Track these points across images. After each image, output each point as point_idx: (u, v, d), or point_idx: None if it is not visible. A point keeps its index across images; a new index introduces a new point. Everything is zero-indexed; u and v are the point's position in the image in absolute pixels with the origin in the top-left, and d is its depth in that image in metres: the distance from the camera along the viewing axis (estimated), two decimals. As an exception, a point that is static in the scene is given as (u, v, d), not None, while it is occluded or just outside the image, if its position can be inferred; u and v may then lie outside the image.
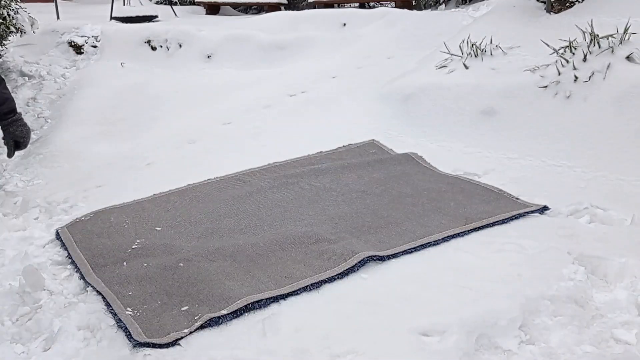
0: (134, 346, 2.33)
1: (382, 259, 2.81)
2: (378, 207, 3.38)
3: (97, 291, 2.72)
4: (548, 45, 4.39)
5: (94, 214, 3.50)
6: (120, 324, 2.47)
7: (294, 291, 2.59)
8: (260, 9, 10.90)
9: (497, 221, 3.14)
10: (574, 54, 4.20)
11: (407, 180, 3.74)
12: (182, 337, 2.34)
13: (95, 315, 2.56)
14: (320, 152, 4.31)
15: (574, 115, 3.91)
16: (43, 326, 2.53)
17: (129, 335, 2.38)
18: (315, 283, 2.63)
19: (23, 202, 3.82)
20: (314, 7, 9.52)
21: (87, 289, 2.80)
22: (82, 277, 2.87)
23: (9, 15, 5.37)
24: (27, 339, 2.48)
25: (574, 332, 2.31)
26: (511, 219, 3.17)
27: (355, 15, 7.51)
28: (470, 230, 3.06)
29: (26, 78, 6.44)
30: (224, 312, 2.45)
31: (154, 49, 7.17)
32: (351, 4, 10.17)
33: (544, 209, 3.26)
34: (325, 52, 6.52)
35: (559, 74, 4.12)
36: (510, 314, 2.35)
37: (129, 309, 2.55)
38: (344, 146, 4.40)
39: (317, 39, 6.84)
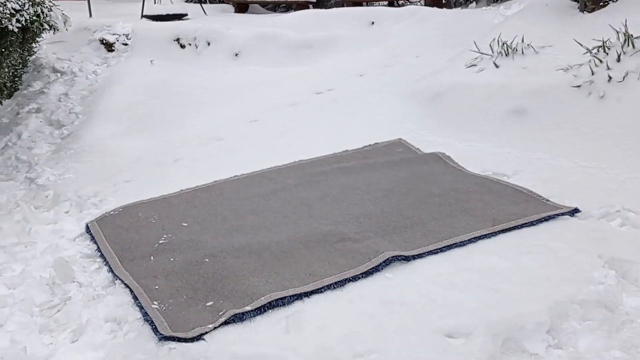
0: (160, 340, 2.36)
1: (407, 259, 2.79)
2: (404, 207, 3.35)
3: (125, 284, 2.77)
4: (581, 45, 4.30)
5: (122, 208, 3.55)
6: (146, 317, 2.50)
7: (317, 289, 2.58)
8: (288, 7, 10.93)
9: (526, 223, 3.08)
10: (607, 53, 4.11)
11: (434, 180, 3.70)
12: (206, 332, 2.36)
13: (122, 308, 2.60)
14: (346, 150, 4.30)
15: (607, 116, 3.82)
16: (71, 318, 2.58)
17: (154, 329, 2.41)
18: (339, 282, 2.63)
19: (54, 195, 3.90)
20: (343, 5, 9.50)
21: (115, 282, 2.85)
22: (110, 270, 2.91)
23: (42, 12, 5.48)
24: (55, 330, 2.53)
25: (603, 337, 2.26)
26: (540, 221, 3.11)
27: (383, 14, 7.47)
28: (498, 231, 3.02)
29: (58, 74, 6.57)
30: (248, 308, 2.46)
31: (183, 47, 7.25)
32: (380, 2, 10.12)
33: (574, 211, 3.19)
34: (353, 50, 6.50)
35: (593, 74, 4.03)
36: (538, 317, 2.31)
37: (155, 302, 2.58)
38: (370, 145, 4.37)
39: (345, 37, 6.82)
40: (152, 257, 2.95)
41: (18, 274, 2.95)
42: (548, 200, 3.34)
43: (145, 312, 2.52)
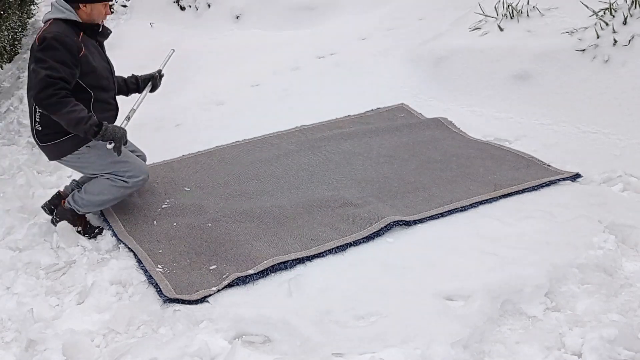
0: (164, 302, 2.40)
1: (408, 223, 2.81)
2: (405, 172, 3.35)
3: (129, 248, 2.80)
4: (587, 7, 4.22)
5: (124, 173, 3.56)
6: (150, 280, 2.54)
7: (319, 253, 2.61)
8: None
9: (527, 188, 3.09)
10: (614, 16, 4.04)
11: (436, 146, 3.70)
12: (210, 295, 2.40)
13: (127, 271, 2.64)
14: (348, 115, 4.27)
15: (611, 81, 3.78)
16: (77, 280, 2.62)
17: (159, 291, 2.45)
18: (340, 246, 2.65)
19: (56, 160, 3.91)
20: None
21: (119, 245, 2.88)
22: (114, 234, 2.94)
23: (40, -27, 5.40)
24: (61, 293, 2.58)
25: (601, 300, 2.29)
26: (541, 186, 3.11)
27: (387, -25, 7.31)
28: (499, 197, 3.03)
29: (58, 38, 6.49)
30: (251, 271, 2.49)
31: (182, 8, 7.13)
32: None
33: (575, 177, 3.19)
34: (356, 13, 6.38)
35: (598, 37, 3.97)
36: (536, 280, 2.34)
37: (159, 266, 2.62)
38: (372, 110, 4.35)
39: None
40: (155, 222, 2.98)
41: (22, 237, 2.98)
42: (549, 166, 3.34)
43: (150, 275, 2.56)
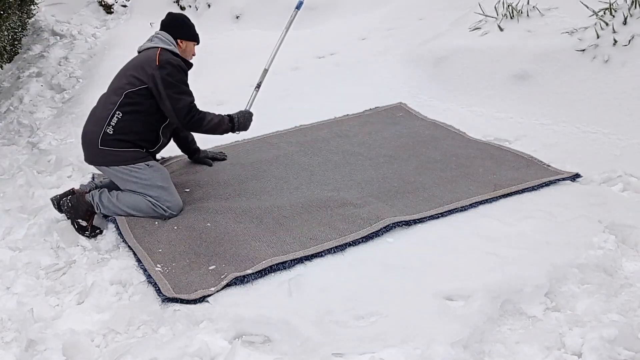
0: (163, 301, 2.40)
1: (408, 223, 2.81)
2: (405, 172, 3.36)
3: (129, 246, 2.80)
4: (587, 7, 4.22)
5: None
6: (150, 279, 2.54)
7: (318, 253, 2.61)
8: (290, -32, 10.71)
9: (527, 188, 3.09)
10: (614, 16, 4.04)
11: (436, 146, 3.70)
12: (209, 295, 2.39)
13: (127, 271, 2.64)
14: (347, 114, 4.28)
15: (611, 81, 3.78)
16: (77, 280, 2.62)
17: (158, 291, 2.45)
18: (339, 246, 2.65)
19: (57, 160, 3.91)
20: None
21: (119, 245, 2.88)
22: (117, 228, 2.94)
23: (40, -26, 5.41)
24: (61, 293, 2.58)
25: (601, 300, 2.29)
26: (541, 186, 3.12)
27: (387, -25, 7.31)
28: (499, 196, 3.03)
29: (58, 37, 6.50)
30: (250, 271, 2.49)
31: (183, 8, 7.14)
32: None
33: (575, 177, 3.20)
34: (356, 13, 6.39)
35: (598, 37, 3.97)
36: (536, 280, 2.34)
37: (158, 265, 2.62)
38: (370, 109, 4.36)
39: (347, 0, 6.70)
40: (156, 222, 2.98)
41: (22, 237, 2.98)
42: (549, 166, 3.34)
43: (149, 275, 2.56)
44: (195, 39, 3.24)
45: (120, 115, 2.94)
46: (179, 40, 3.15)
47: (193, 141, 3.56)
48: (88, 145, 3.02)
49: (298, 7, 3.44)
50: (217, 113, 3.17)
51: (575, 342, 2.09)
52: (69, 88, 5.37)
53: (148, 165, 3.00)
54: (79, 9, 7.33)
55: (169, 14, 3.25)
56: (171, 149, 3.85)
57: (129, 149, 2.97)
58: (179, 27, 3.16)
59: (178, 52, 3.12)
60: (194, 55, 3.25)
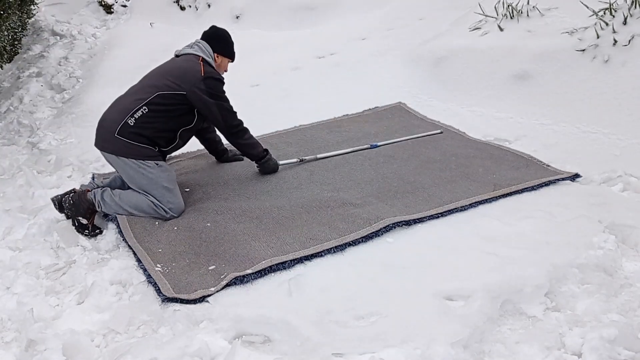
0: (163, 301, 2.39)
1: (408, 223, 2.81)
2: (405, 172, 3.36)
3: (129, 246, 2.80)
4: (587, 7, 4.22)
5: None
6: (149, 279, 2.54)
7: (318, 252, 2.61)
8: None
9: (526, 188, 3.09)
10: (614, 16, 4.04)
11: (436, 146, 3.70)
12: (209, 295, 2.39)
13: (127, 271, 2.64)
14: (347, 114, 4.28)
15: (611, 81, 3.78)
16: (77, 280, 2.62)
17: (157, 291, 2.45)
18: (339, 245, 2.65)
19: (57, 160, 3.91)
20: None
21: (119, 246, 2.88)
22: (118, 226, 2.95)
23: (40, -27, 5.41)
24: (61, 293, 2.58)
25: (601, 300, 2.29)
26: (541, 186, 3.12)
27: (387, -25, 7.31)
28: (499, 196, 3.03)
29: (58, 37, 6.50)
30: (249, 271, 2.49)
31: (182, 8, 7.14)
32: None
33: (575, 177, 3.20)
34: (356, 13, 6.39)
35: (598, 37, 3.97)
36: (536, 280, 2.34)
37: (158, 265, 2.62)
38: (370, 109, 4.36)
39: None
40: (156, 222, 2.98)
41: (22, 237, 2.98)
42: (549, 166, 3.34)
43: (149, 275, 2.56)
44: (231, 56, 3.33)
45: (146, 110, 2.97)
46: (216, 54, 3.22)
47: (220, 142, 3.59)
48: (104, 131, 3.03)
49: None
50: None
51: (575, 342, 2.09)
52: (69, 88, 5.37)
53: (157, 164, 3.02)
54: (79, 9, 7.33)
55: (213, 27, 3.32)
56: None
57: (143, 144, 2.98)
58: (220, 41, 3.24)
59: (214, 65, 3.19)
60: (226, 71, 3.33)
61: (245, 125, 3.23)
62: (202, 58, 3.11)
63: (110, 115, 3.05)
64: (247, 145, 3.25)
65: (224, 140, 3.38)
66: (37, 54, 6.12)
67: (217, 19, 6.86)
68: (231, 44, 3.31)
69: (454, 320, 2.17)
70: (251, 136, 3.25)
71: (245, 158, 3.56)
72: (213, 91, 3.04)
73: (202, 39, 3.24)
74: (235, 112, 3.17)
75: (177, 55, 3.21)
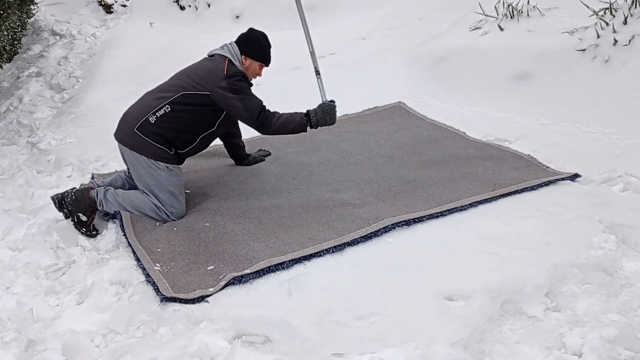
0: (161, 301, 2.39)
1: (408, 223, 2.80)
2: (404, 172, 3.35)
3: (129, 243, 2.80)
4: (587, 7, 4.22)
5: (124, 173, 3.55)
6: (148, 278, 2.54)
7: (317, 252, 2.61)
8: (290, -32, 10.70)
9: (526, 188, 3.09)
10: (614, 16, 4.04)
11: (435, 146, 3.69)
12: (208, 295, 2.39)
13: (126, 271, 2.63)
14: (346, 114, 4.28)
15: (611, 81, 3.78)
16: (77, 280, 2.62)
17: (156, 290, 2.45)
18: (338, 246, 2.65)
19: (56, 160, 3.91)
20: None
21: (119, 246, 2.88)
22: (121, 224, 2.95)
23: (39, -27, 5.40)
24: (61, 293, 2.57)
25: (601, 300, 2.29)
26: (540, 186, 3.11)
27: (387, -25, 7.30)
28: (499, 196, 3.02)
29: (57, 37, 6.49)
30: (248, 271, 2.49)
31: (182, 8, 7.13)
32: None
33: (574, 177, 3.19)
34: (356, 13, 6.39)
35: (598, 37, 3.97)
36: (536, 280, 2.33)
37: (157, 264, 2.62)
38: (369, 109, 4.35)
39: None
40: (157, 222, 2.98)
41: (22, 237, 2.97)
42: (548, 167, 3.34)
43: (148, 274, 2.56)
44: (262, 60, 3.17)
45: (169, 109, 2.96)
46: (243, 57, 3.11)
47: (243, 147, 3.58)
48: (125, 125, 3.03)
49: None
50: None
51: (576, 342, 2.09)
52: (68, 88, 5.37)
53: (168, 167, 3.01)
54: (79, 9, 7.32)
55: (249, 29, 3.21)
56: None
57: (159, 144, 2.97)
58: (249, 43, 3.13)
59: (241, 68, 3.09)
60: (258, 75, 3.22)
61: (268, 108, 3.05)
62: (229, 59, 3.05)
63: (133, 110, 3.06)
64: (281, 128, 3.05)
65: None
66: (37, 54, 6.11)
67: (217, 18, 6.87)
68: (264, 47, 3.16)
69: (454, 320, 2.16)
70: (280, 116, 3.04)
71: (266, 158, 3.61)
72: (235, 86, 2.95)
73: (235, 40, 3.17)
74: (261, 102, 3.02)
75: (209, 56, 3.17)
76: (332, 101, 3.14)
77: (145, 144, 2.96)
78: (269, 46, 3.19)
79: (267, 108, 3.03)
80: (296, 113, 3.09)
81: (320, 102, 3.16)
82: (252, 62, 3.14)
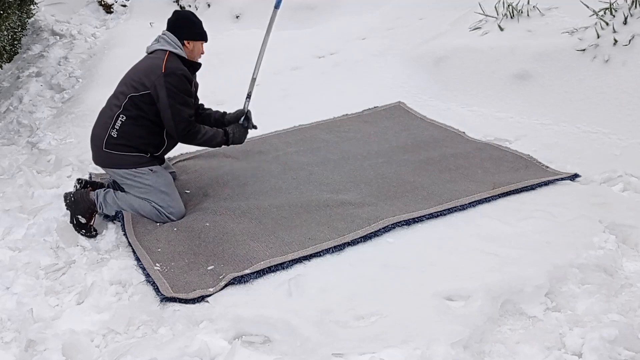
0: (161, 301, 2.39)
1: (407, 222, 2.80)
2: (404, 172, 3.35)
3: (129, 242, 2.80)
4: (587, 7, 4.22)
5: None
6: (148, 278, 2.54)
7: (316, 253, 2.61)
8: (289, -32, 10.69)
9: (526, 187, 3.09)
10: (614, 16, 4.04)
11: (435, 146, 3.69)
12: (208, 295, 2.39)
13: (126, 271, 2.63)
14: (346, 114, 4.28)
15: (611, 81, 3.78)
16: (77, 280, 2.62)
17: (156, 290, 2.45)
18: (338, 246, 2.65)
19: (56, 160, 3.90)
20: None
21: (119, 246, 2.88)
22: (122, 224, 2.95)
23: (39, -27, 5.40)
24: (61, 293, 2.57)
25: (601, 300, 2.29)
26: (540, 185, 3.11)
27: (386, -25, 7.30)
28: (499, 196, 3.02)
29: (57, 37, 6.50)
30: (248, 271, 2.49)
31: (182, 8, 7.13)
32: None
33: (574, 177, 3.19)
34: (356, 12, 6.38)
35: (598, 37, 3.97)
36: (536, 281, 2.33)
37: (157, 264, 2.62)
38: (369, 109, 4.36)
39: (347, -1, 6.70)
40: (157, 223, 2.98)
41: (22, 237, 2.97)
42: (548, 167, 3.33)
43: (148, 274, 2.56)
44: (202, 37, 3.10)
45: (124, 118, 2.93)
46: (185, 42, 3.03)
47: (211, 115, 3.39)
48: (94, 147, 3.03)
49: (277, 6, 3.20)
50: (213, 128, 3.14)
51: (576, 342, 2.09)
52: (68, 88, 5.37)
53: (152, 170, 3.00)
54: (79, 9, 7.32)
55: (175, 12, 3.13)
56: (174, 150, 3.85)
57: (132, 153, 2.96)
58: (184, 26, 3.04)
59: (185, 54, 3.03)
60: (202, 54, 3.14)
61: (198, 124, 3.04)
62: (169, 52, 2.96)
63: (95, 130, 3.04)
64: (204, 143, 3.07)
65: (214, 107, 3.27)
66: (37, 54, 6.11)
67: (217, 18, 6.86)
68: (197, 23, 3.09)
69: (454, 320, 2.16)
70: (205, 133, 3.02)
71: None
72: (173, 88, 2.87)
73: (167, 29, 3.07)
74: (189, 114, 2.96)
75: (148, 53, 3.09)
76: (246, 127, 3.24)
77: (119, 158, 2.95)
78: (201, 21, 3.14)
79: (193, 123, 2.99)
80: (217, 132, 3.11)
81: (240, 122, 3.25)
82: (195, 44, 3.07)
